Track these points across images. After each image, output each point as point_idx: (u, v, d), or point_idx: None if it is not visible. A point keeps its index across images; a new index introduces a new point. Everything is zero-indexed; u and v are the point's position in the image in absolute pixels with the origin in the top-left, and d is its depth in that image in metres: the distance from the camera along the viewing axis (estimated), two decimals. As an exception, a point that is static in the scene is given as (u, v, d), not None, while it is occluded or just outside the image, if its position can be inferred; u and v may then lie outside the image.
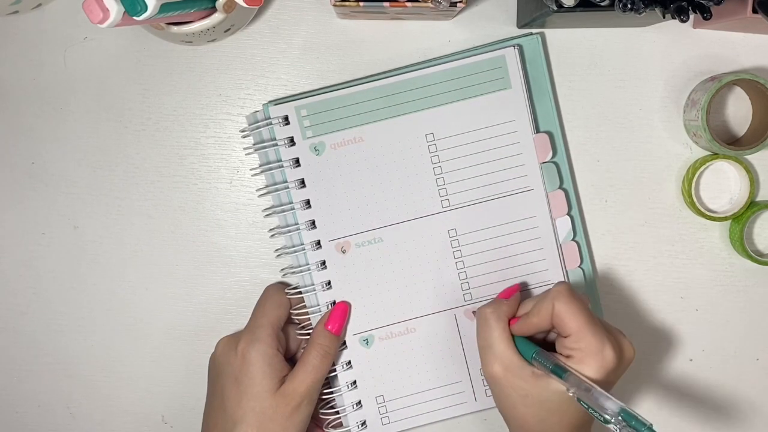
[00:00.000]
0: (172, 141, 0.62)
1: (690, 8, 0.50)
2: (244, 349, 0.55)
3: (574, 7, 0.52)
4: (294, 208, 0.60)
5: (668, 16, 0.51)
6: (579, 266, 0.61)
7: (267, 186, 0.61)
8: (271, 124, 0.59)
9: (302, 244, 0.60)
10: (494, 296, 0.60)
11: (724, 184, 0.63)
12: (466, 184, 0.60)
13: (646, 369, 0.64)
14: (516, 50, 0.59)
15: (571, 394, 0.49)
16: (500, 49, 0.59)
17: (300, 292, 0.60)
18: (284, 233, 0.60)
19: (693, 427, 0.64)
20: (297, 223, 0.60)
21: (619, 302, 0.64)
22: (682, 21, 0.50)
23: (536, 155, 0.60)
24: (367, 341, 0.60)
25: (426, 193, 0.60)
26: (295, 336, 0.60)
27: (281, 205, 0.60)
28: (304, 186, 0.60)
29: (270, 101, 0.60)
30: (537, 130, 0.60)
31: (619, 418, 0.45)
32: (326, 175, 0.60)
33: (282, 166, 0.59)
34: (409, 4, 0.53)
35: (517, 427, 0.53)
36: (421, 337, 0.61)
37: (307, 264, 0.60)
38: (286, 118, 0.59)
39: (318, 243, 0.60)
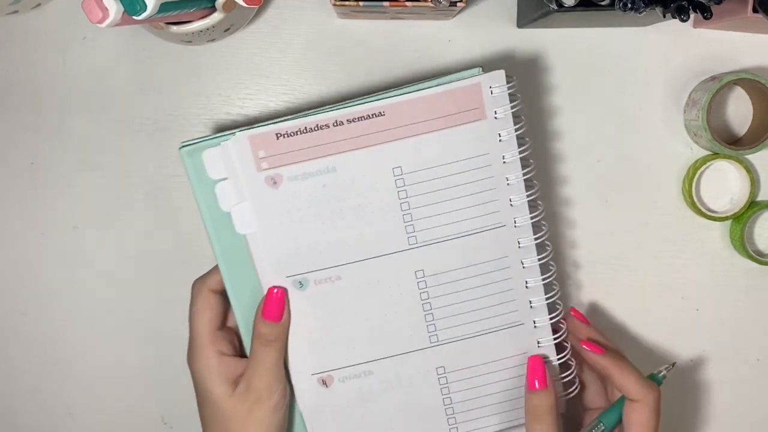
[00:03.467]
0: (172, 141, 0.62)
1: (690, 8, 0.50)
2: (189, 366, 0.55)
3: (574, 7, 0.52)
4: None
5: (668, 15, 0.51)
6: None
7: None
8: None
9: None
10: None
11: (725, 184, 0.63)
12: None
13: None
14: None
15: None
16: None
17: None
18: None
19: (693, 427, 0.64)
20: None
21: (619, 302, 0.64)
22: (683, 20, 0.50)
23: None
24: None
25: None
26: None
27: None
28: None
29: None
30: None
31: None
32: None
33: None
34: (409, 3, 0.53)
35: None
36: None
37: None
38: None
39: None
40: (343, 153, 0.54)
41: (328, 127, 0.53)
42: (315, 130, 0.53)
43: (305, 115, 0.53)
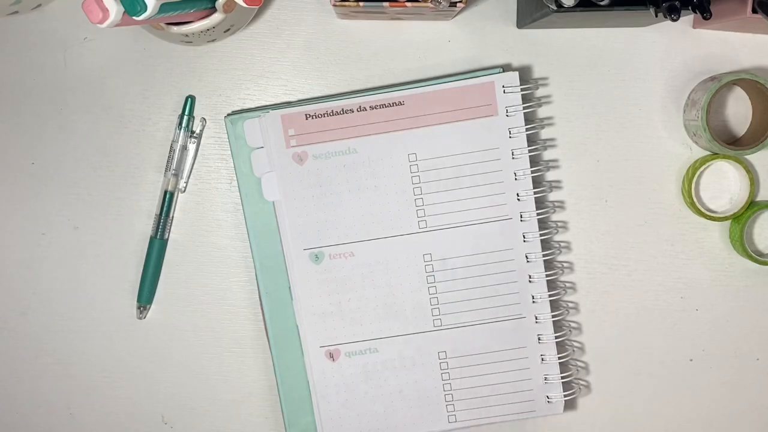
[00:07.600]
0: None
1: (681, 7, 0.50)
2: None
3: (574, 7, 0.52)
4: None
5: (660, 15, 0.51)
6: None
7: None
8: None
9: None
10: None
11: (724, 184, 0.63)
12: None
13: (646, 369, 0.64)
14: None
15: None
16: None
17: None
18: None
19: (693, 427, 0.64)
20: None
21: (619, 302, 0.64)
22: (673, 20, 0.50)
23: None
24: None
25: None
26: None
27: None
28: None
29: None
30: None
31: None
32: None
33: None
34: (409, 4, 0.53)
35: None
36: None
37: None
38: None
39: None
40: (364, 136, 0.59)
41: (353, 111, 0.59)
42: (340, 114, 0.59)
43: (332, 99, 0.59)
